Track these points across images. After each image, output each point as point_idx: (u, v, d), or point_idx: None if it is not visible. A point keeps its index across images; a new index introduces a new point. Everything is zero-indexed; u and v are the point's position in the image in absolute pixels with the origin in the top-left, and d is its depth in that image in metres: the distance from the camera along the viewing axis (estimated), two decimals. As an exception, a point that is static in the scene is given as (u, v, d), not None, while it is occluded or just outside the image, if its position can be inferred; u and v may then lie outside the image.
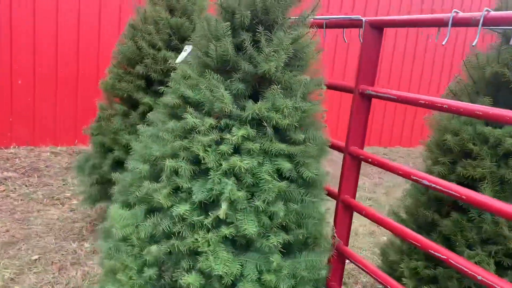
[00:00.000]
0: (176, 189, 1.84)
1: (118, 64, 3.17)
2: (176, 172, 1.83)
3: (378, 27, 2.09)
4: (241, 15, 1.86)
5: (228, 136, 1.79)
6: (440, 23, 1.75)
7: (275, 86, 1.81)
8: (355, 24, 2.15)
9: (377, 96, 2.05)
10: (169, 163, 1.81)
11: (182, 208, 1.77)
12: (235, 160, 1.75)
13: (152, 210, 1.95)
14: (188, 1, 2.99)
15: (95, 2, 5.56)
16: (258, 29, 1.85)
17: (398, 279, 1.99)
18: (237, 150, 1.81)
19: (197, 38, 2.01)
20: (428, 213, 1.95)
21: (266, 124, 1.79)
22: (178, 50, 3.02)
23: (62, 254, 3.11)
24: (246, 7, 1.87)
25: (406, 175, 1.87)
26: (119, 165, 3.06)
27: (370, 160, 2.07)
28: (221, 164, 1.78)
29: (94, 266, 2.97)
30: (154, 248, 1.85)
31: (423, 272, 1.86)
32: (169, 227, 1.82)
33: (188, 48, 2.86)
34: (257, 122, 1.83)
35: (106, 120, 3.09)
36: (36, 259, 3.00)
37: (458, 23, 1.66)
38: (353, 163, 2.21)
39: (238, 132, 1.77)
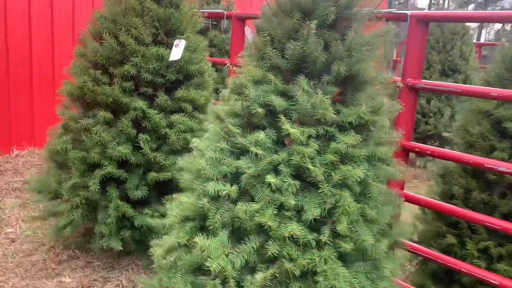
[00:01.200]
0: (279, 208, 1.68)
1: (89, 64, 2.71)
2: (277, 189, 1.67)
3: (424, 22, 2.15)
4: (327, 12, 1.74)
5: (333, 144, 1.68)
6: (488, 20, 1.87)
7: (374, 87, 1.76)
8: (400, 18, 2.17)
9: (432, 89, 2.12)
10: (272, 180, 1.64)
11: (294, 228, 1.63)
12: (348, 169, 1.66)
13: (237, 234, 1.76)
14: (174, -11, 2.67)
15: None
16: (346, 26, 1.76)
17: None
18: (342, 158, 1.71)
19: (265, 36, 1.82)
20: (484, 196, 2.11)
21: (372, 128, 1.72)
22: (166, 45, 2.70)
23: (44, 297, 2.61)
24: (329, 3, 1.75)
25: (478, 165, 1.99)
26: (110, 182, 2.66)
27: (429, 152, 2.14)
28: (330, 175, 1.67)
29: (96, 304, 2.56)
30: (259, 276, 1.67)
31: (494, 250, 2.03)
32: (277, 250, 1.66)
33: (180, 43, 2.59)
34: (354, 127, 1.75)
35: (84, 132, 2.63)
36: (17, 310, 2.47)
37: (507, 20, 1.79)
38: (403, 156, 2.27)
39: (346, 139, 1.67)
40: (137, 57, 2.58)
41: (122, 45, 2.62)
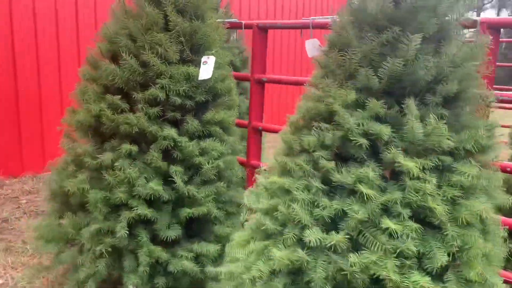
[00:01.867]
0: (397, 256, 1.44)
1: (102, 88, 2.34)
2: (393, 235, 1.43)
3: (495, 28, 1.98)
4: (429, 24, 1.52)
5: (454, 177, 1.46)
6: None
7: (478, 105, 1.56)
8: (469, 25, 1.99)
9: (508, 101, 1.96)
10: (392, 225, 1.39)
11: (419, 279, 1.40)
12: (473, 205, 1.45)
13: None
14: (197, -3, 2.34)
15: None
16: (442, 37, 1.56)
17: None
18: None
19: (355, 53, 1.57)
20: None
21: (490, 154, 1.52)
22: (191, 63, 2.39)
23: None
24: (429, 14, 1.53)
25: None
26: (137, 223, 2.31)
27: (509, 169, 1.98)
28: (451, 213, 1.45)
29: None
30: None
31: None
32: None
33: (209, 60, 2.30)
34: (471, 154, 1.54)
35: (105, 169, 2.26)
36: None
37: None
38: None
39: (467, 170, 1.46)
40: (165, 78, 2.25)
41: (144, 66, 2.28)
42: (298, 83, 2.70)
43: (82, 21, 5.34)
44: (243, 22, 2.85)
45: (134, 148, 2.26)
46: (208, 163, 2.40)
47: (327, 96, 1.61)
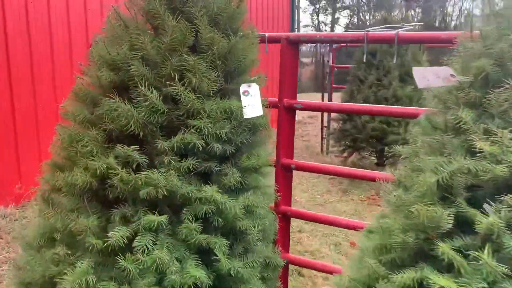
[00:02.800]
0: None
1: (104, 135, 1.68)
2: None
3: None
4: None
5: None
6: None
7: None
8: None
9: None
10: None
11: None
12: None
13: None
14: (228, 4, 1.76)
15: None
16: None
17: None
18: None
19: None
20: None
21: None
22: (224, 93, 1.81)
23: None
24: None
25: None
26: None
27: None
28: None
29: None
30: None
31: None
32: None
33: (251, 89, 1.77)
34: None
35: (118, 251, 1.61)
36: None
37: None
38: None
39: None
40: (202, 118, 1.64)
41: (167, 102, 1.65)
42: (342, 111, 2.20)
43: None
44: (266, 34, 2.29)
45: (163, 219, 1.62)
46: (254, 226, 1.83)
47: (506, 152, 1.13)
